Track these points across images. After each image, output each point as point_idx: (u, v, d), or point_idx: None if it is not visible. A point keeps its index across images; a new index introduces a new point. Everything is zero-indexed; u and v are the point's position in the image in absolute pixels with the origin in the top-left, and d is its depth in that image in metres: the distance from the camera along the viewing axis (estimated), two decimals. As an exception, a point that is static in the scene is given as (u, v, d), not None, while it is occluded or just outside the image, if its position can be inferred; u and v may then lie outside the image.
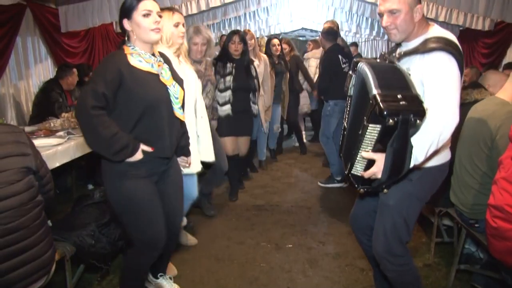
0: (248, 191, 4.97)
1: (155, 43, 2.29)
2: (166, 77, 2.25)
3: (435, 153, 2.01)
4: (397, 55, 2.13)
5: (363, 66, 1.98)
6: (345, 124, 2.27)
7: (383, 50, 10.09)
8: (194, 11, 6.16)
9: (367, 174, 1.93)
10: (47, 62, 5.73)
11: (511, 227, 1.97)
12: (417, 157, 1.85)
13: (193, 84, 3.05)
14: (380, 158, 1.86)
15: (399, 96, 1.77)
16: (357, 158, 1.97)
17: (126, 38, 2.18)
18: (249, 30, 5.03)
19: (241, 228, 3.92)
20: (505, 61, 5.87)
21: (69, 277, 2.48)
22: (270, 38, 5.82)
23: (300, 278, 3.03)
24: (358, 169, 1.99)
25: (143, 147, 2.13)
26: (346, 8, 7.88)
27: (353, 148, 1.99)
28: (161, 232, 2.31)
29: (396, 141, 1.80)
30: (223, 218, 4.15)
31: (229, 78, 4.25)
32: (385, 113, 1.72)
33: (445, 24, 6.60)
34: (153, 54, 2.24)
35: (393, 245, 2.18)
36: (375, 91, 1.81)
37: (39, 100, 4.92)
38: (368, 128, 1.86)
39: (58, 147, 3.25)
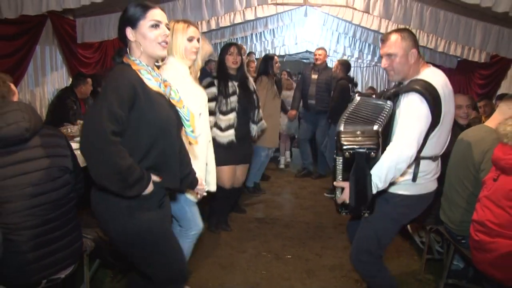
0: (249, 204, 5.15)
1: (161, 59, 2.02)
2: (176, 98, 2.01)
3: (415, 182, 2.29)
4: (389, 93, 2.42)
5: (354, 99, 2.32)
6: None
7: (384, 76, 10.41)
8: (204, 29, 6.49)
9: (339, 200, 2.23)
10: (62, 71, 5.96)
11: (491, 240, 2.21)
12: (377, 184, 2.11)
13: (203, 104, 2.75)
14: (347, 186, 2.16)
15: (358, 132, 2.09)
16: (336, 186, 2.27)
17: (127, 50, 1.90)
18: (243, 46, 4.54)
19: (243, 238, 4.11)
20: (499, 92, 6.13)
21: (86, 271, 2.67)
22: (267, 55, 5.45)
23: (299, 286, 3.23)
24: (338, 195, 2.27)
25: (153, 177, 1.86)
26: (350, 34, 8.14)
27: (333, 178, 2.29)
28: (185, 262, 2.20)
29: (356, 171, 2.09)
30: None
31: (233, 99, 3.83)
32: (343, 147, 2.06)
33: (443, 55, 6.92)
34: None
35: (362, 253, 2.46)
36: (340, 128, 2.14)
37: (54, 107, 5.14)
38: (336, 160, 2.17)
39: (77, 152, 3.43)
